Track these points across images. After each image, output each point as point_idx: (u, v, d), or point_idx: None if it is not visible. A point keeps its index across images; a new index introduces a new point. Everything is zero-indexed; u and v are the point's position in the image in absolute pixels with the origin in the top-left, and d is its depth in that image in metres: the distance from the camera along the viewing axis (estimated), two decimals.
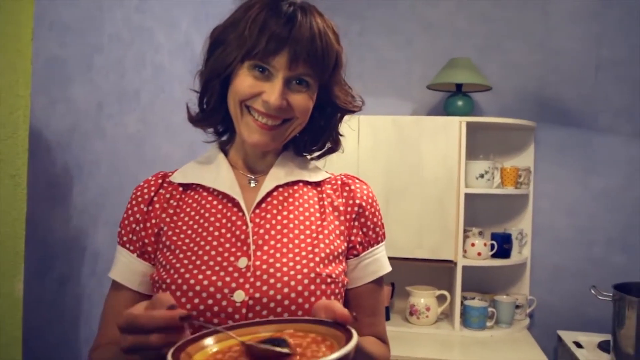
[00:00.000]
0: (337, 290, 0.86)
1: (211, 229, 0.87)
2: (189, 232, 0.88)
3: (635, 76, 2.52)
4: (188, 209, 0.91)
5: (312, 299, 0.81)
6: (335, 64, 0.89)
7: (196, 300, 0.80)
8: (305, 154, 1.00)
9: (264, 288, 0.81)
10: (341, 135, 1.00)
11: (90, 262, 1.29)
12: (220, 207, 0.90)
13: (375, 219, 0.96)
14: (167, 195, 0.93)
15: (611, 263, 2.54)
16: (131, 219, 0.92)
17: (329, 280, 0.85)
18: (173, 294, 0.81)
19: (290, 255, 0.84)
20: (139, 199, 0.92)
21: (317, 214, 0.91)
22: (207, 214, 0.89)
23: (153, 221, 0.91)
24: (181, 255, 0.85)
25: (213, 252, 0.84)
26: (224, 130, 0.99)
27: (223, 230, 0.87)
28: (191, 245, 0.86)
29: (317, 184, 0.96)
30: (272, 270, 0.82)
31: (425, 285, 2.49)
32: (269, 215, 0.89)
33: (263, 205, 0.90)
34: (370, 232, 0.95)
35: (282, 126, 0.88)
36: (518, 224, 2.60)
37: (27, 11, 0.85)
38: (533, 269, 2.59)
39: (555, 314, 2.57)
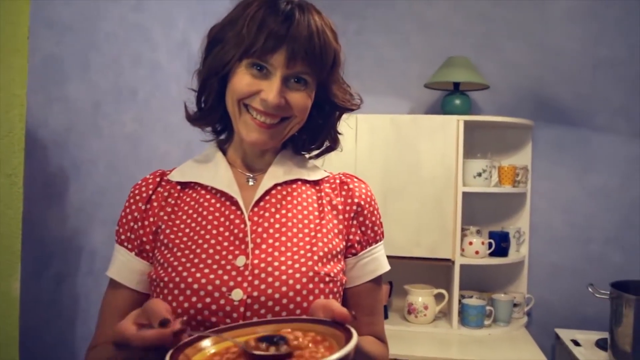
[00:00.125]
0: (335, 289, 0.86)
1: (209, 227, 0.87)
2: (187, 230, 0.87)
3: (633, 75, 2.52)
4: (186, 208, 0.90)
5: (311, 298, 0.81)
6: (333, 62, 0.89)
7: (194, 299, 0.80)
8: (303, 152, 1.00)
9: (262, 287, 0.80)
10: (340, 133, 0.99)
11: (87, 261, 1.28)
12: (218, 205, 0.89)
13: (373, 218, 0.95)
14: (165, 194, 0.92)
15: (608, 261, 2.54)
16: (129, 217, 0.91)
17: (327, 279, 0.84)
18: (171, 292, 0.81)
19: (289, 254, 0.84)
20: (137, 198, 0.92)
21: (316, 213, 0.91)
22: (205, 212, 0.89)
23: (151, 219, 0.90)
24: (179, 254, 0.85)
25: (211, 251, 0.84)
26: (222, 129, 0.98)
27: (221, 229, 0.87)
28: (189, 243, 0.86)
29: (316, 183, 0.96)
30: (270, 268, 0.82)
31: (423, 283, 2.49)
32: (267, 214, 0.89)
33: (261, 203, 0.90)
34: (369, 231, 0.94)
35: (280, 124, 0.88)
36: (516, 223, 2.61)
37: (23, 9, 0.85)
38: (531, 268, 2.60)
39: (553, 312, 2.58)
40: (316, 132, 0.96)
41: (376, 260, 0.95)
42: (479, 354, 2.11)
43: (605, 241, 2.56)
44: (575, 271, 2.57)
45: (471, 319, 2.33)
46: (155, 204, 0.91)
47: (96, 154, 1.31)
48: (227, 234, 0.86)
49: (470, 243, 2.37)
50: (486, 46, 2.65)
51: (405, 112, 2.74)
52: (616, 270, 2.46)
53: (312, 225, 0.89)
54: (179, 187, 0.93)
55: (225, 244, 0.85)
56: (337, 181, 0.97)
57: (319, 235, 0.88)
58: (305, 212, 0.90)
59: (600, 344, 2.19)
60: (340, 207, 0.93)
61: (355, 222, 0.93)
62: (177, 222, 0.89)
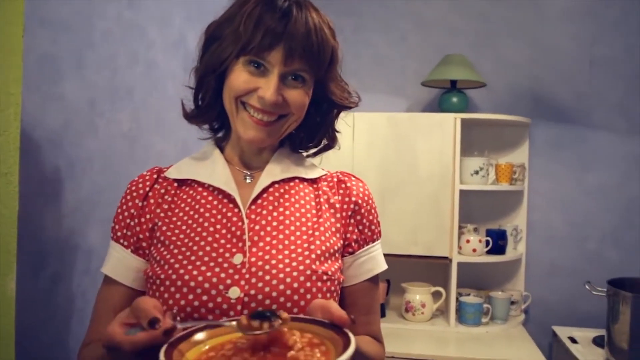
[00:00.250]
0: (332, 288, 0.86)
1: (206, 224, 0.87)
2: (184, 227, 0.87)
3: (629, 73, 2.53)
4: (183, 205, 0.90)
5: (308, 296, 0.81)
6: (331, 59, 0.88)
7: (190, 297, 0.79)
8: (301, 150, 0.99)
9: (260, 285, 0.80)
10: (338, 131, 0.99)
11: (83, 260, 1.28)
12: (215, 202, 0.89)
13: (371, 217, 0.95)
14: (162, 191, 0.92)
15: (605, 259, 2.55)
16: (125, 214, 0.91)
17: (324, 277, 0.84)
18: (167, 289, 0.81)
19: (286, 252, 0.84)
20: (134, 194, 0.92)
21: (313, 211, 0.91)
22: (202, 210, 0.88)
23: (147, 216, 0.90)
24: (175, 251, 0.84)
25: (208, 248, 0.84)
26: (220, 127, 0.98)
27: (218, 226, 0.86)
28: (186, 240, 0.85)
29: (313, 181, 0.95)
30: (267, 267, 0.82)
31: (421, 281, 2.49)
32: (264, 212, 0.88)
33: (259, 201, 0.89)
34: (366, 230, 0.94)
35: (277, 122, 0.87)
36: (513, 221, 2.61)
37: (18, 8, 0.84)
38: (528, 265, 2.60)
39: (550, 309, 2.58)
40: (314, 130, 0.96)
41: (373, 259, 0.95)
42: (476, 352, 2.12)
43: (602, 239, 2.56)
44: (572, 269, 2.57)
45: (468, 316, 2.34)
46: (151, 200, 0.91)
47: (92, 152, 1.31)
48: (224, 231, 0.86)
49: (468, 241, 2.37)
50: (483, 44, 2.66)
51: (402, 110, 2.74)
52: (613, 268, 2.47)
53: (309, 224, 0.89)
54: (175, 184, 0.92)
55: (223, 241, 0.84)
56: (335, 179, 0.96)
57: (317, 233, 0.88)
58: (303, 210, 0.90)
59: (598, 341, 2.19)
60: (337, 205, 0.93)
61: (352, 220, 0.93)
62: (174, 219, 0.88)
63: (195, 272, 0.81)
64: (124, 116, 1.45)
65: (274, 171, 0.92)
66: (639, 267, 2.46)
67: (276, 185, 0.92)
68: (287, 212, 0.89)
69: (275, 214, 0.88)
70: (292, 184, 0.93)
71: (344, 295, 0.93)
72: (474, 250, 2.36)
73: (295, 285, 0.81)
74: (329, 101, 0.93)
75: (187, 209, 0.89)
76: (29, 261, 1.08)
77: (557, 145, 2.60)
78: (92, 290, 1.25)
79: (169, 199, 0.91)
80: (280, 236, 0.86)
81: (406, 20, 2.72)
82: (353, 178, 0.98)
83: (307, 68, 0.85)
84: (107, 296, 0.90)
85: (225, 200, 0.89)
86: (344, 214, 0.93)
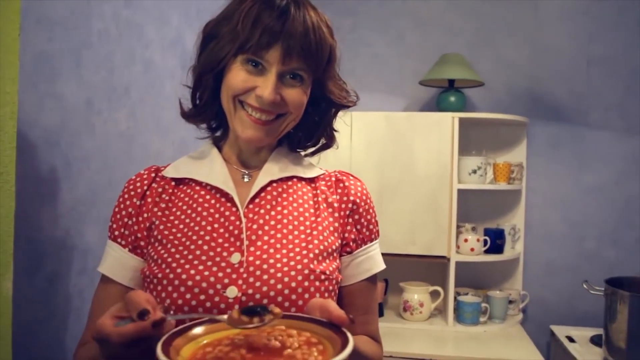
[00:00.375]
0: (330, 287, 0.86)
1: (204, 223, 0.86)
2: (181, 226, 0.87)
3: (627, 72, 2.53)
4: (180, 204, 0.90)
5: (306, 296, 0.81)
6: (329, 58, 0.88)
7: (188, 296, 0.79)
8: (299, 150, 0.99)
9: (257, 284, 0.80)
10: (336, 131, 0.99)
11: (80, 260, 1.27)
12: (213, 201, 0.89)
13: (369, 216, 0.95)
14: (160, 190, 0.91)
15: (603, 258, 2.55)
16: (123, 212, 0.90)
17: (322, 277, 0.84)
18: (164, 289, 0.80)
19: (284, 251, 0.84)
20: (132, 193, 0.91)
21: (312, 210, 0.91)
22: (199, 209, 0.88)
23: (145, 215, 0.89)
24: (173, 250, 0.84)
25: (205, 247, 0.83)
26: (217, 126, 0.98)
27: (216, 225, 0.86)
28: (183, 239, 0.85)
29: (312, 180, 0.95)
30: (265, 266, 0.81)
31: (419, 281, 2.49)
32: (262, 211, 0.88)
33: (257, 200, 0.89)
34: (364, 230, 0.94)
35: (276, 121, 0.87)
36: (511, 220, 2.61)
37: (14, 6, 0.84)
38: (526, 265, 2.60)
39: (548, 309, 2.58)
40: (312, 129, 0.96)
41: (371, 259, 0.94)
42: (474, 351, 2.12)
43: (600, 238, 2.57)
44: (570, 268, 2.57)
45: (466, 316, 2.34)
46: (149, 199, 0.90)
47: (89, 152, 1.30)
48: (222, 230, 0.85)
49: (466, 240, 2.37)
50: (481, 43, 2.66)
51: (400, 109, 2.74)
52: (611, 267, 2.48)
53: (307, 223, 0.88)
54: (173, 183, 0.92)
55: (220, 240, 0.84)
56: (333, 179, 0.96)
57: (315, 232, 0.87)
58: (301, 210, 0.90)
59: (595, 341, 2.19)
60: (335, 204, 0.93)
61: (350, 220, 0.93)
62: (172, 218, 0.88)
63: (192, 272, 0.81)
64: (121, 115, 1.45)
65: (272, 170, 0.92)
66: (637, 266, 2.47)
67: (274, 185, 0.91)
68: (285, 211, 0.89)
69: (273, 213, 0.88)
70: (290, 183, 0.93)
71: (342, 295, 0.92)
72: (472, 249, 2.36)
73: (293, 284, 0.81)
74: (327, 100, 0.93)
75: (184, 207, 0.89)
76: (25, 261, 1.08)
77: (555, 145, 2.61)
78: (89, 289, 1.25)
79: (167, 198, 0.91)
80: (278, 235, 0.86)
81: (404, 19, 2.72)
82: (351, 177, 0.97)
83: (305, 67, 0.85)
84: (104, 295, 0.89)
85: (223, 199, 0.89)
86: (342, 213, 0.92)
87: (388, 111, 2.53)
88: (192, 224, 0.86)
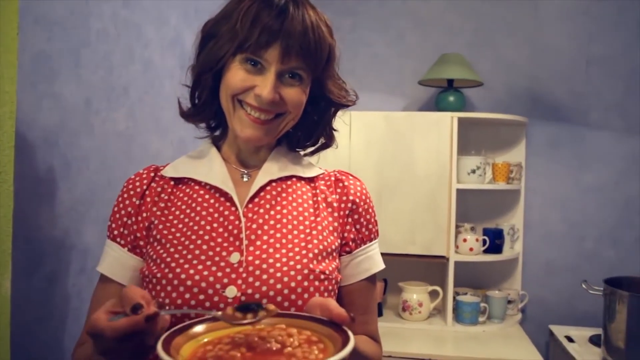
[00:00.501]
0: (330, 287, 0.86)
1: (203, 223, 0.86)
2: (181, 226, 0.86)
3: (627, 72, 2.53)
4: (179, 203, 0.89)
5: (305, 296, 0.81)
6: (328, 57, 0.88)
7: (187, 295, 0.79)
8: (298, 149, 0.99)
9: (257, 284, 0.80)
10: (335, 130, 0.98)
11: (79, 260, 1.27)
12: (212, 201, 0.88)
13: (368, 216, 0.95)
14: (159, 189, 0.91)
15: (602, 258, 2.55)
16: (122, 212, 0.90)
17: (322, 276, 0.84)
18: (163, 288, 0.80)
19: (284, 251, 0.83)
20: (131, 192, 0.91)
21: (311, 210, 0.90)
22: (199, 208, 0.88)
23: (144, 215, 0.89)
24: (172, 249, 0.84)
25: (205, 247, 0.83)
26: (216, 126, 0.97)
27: (215, 225, 0.86)
28: (182, 239, 0.85)
29: (311, 180, 0.95)
30: (264, 265, 0.81)
31: (418, 281, 2.49)
32: (262, 210, 0.88)
33: (256, 200, 0.89)
34: (364, 229, 0.94)
35: (275, 120, 0.87)
36: (510, 220, 2.61)
37: (13, 5, 0.84)
38: (525, 264, 2.60)
39: (547, 308, 2.59)
40: (311, 129, 0.96)
41: (371, 259, 0.94)
42: (473, 351, 2.12)
43: (599, 238, 2.57)
44: (569, 268, 2.57)
45: (465, 315, 2.34)
46: (148, 199, 0.90)
47: (88, 151, 1.30)
48: (221, 230, 0.85)
49: (465, 240, 2.37)
50: (480, 43, 2.66)
51: (399, 108, 2.74)
52: (610, 267, 2.48)
53: (307, 222, 0.88)
54: (172, 183, 0.92)
55: (219, 240, 0.84)
56: (332, 178, 0.96)
57: (314, 232, 0.87)
58: (300, 209, 0.90)
59: (594, 340, 2.20)
60: (335, 204, 0.93)
61: (350, 219, 0.93)
62: (171, 217, 0.88)
63: (192, 271, 0.80)
64: (120, 115, 1.45)
65: (271, 169, 0.92)
66: (636, 266, 2.47)
67: (273, 184, 0.91)
68: (285, 211, 0.89)
69: (272, 212, 0.88)
70: (289, 182, 0.93)
71: (341, 295, 0.92)
72: (471, 249, 2.36)
73: (293, 284, 0.81)
74: (327, 99, 0.93)
75: (183, 207, 0.89)
76: (24, 260, 1.08)
77: (554, 144, 2.61)
78: (88, 289, 1.25)
79: (166, 197, 0.90)
80: (278, 235, 0.85)
81: (404, 19, 2.72)
82: (350, 177, 0.97)
83: (304, 66, 0.84)
84: (102, 295, 0.89)
85: (222, 199, 0.88)
86: (341, 212, 0.92)
87: (387, 111, 2.53)
88: (191, 224, 0.86)
